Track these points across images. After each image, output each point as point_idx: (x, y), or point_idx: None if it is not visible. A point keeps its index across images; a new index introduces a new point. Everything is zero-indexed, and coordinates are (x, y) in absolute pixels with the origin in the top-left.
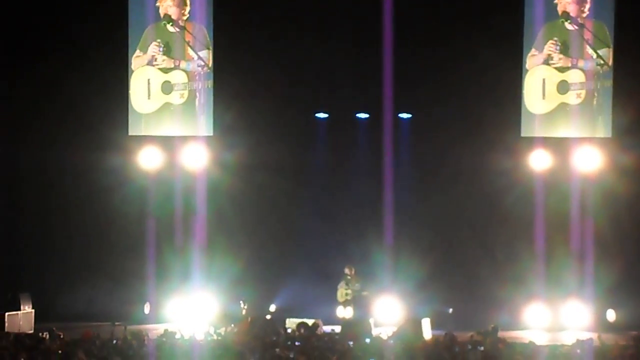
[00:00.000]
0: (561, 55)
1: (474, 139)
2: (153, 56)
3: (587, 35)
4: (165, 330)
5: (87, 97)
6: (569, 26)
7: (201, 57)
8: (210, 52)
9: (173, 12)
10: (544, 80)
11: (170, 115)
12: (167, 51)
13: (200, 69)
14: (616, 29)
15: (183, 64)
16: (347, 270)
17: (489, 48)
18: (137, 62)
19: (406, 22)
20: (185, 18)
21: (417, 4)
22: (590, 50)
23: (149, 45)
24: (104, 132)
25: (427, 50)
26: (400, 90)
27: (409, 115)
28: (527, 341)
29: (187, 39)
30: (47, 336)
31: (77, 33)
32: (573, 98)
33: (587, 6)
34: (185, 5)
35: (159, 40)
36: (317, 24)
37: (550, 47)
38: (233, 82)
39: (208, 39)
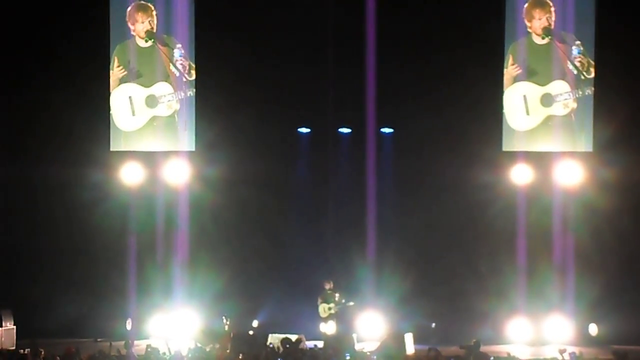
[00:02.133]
0: (542, 70)
1: (455, 154)
2: (134, 73)
3: (566, 49)
4: (148, 346)
5: (69, 113)
6: (547, 41)
7: (181, 72)
8: (192, 67)
9: (148, 29)
10: (524, 96)
11: (153, 131)
12: (148, 67)
13: (182, 83)
14: (597, 43)
15: (166, 78)
16: (326, 285)
17: (469, 63)
18: (114, 81)
19: (389, 38)
20: (155, 32)
21: (399, 20)
22: (570, 65)
23: (125, 63)
24: (85, 148)
25: (410, 66)
26: (383, 105)
27: (391, 130)
28: (505, 354)
29: (165, 54)
30: (29, 352)
31: (59, 50)
32: (560, 109)
33: (569, 20)
34: (153, 20)
35: (137, 58)
36: (301, 39)
37: (529, 63)
38: (215, 98)
39: (183, 52)
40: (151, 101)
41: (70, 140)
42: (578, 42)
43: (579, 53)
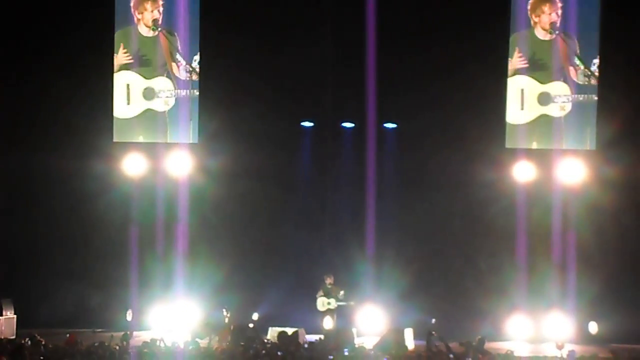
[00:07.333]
0: (544, 68)
1: (458, 150)
2: (134, 61)
3: (574, 46)
4: (144, 342)
5: (72, 103)
6: (552, 38)
7: (188, 64)
8: (196, 59)
9: (155, 18)
10: (522, 90)
11: (154, 122)
12: (151, 57)
13: (186, 75)
14: (601, 41)
15: (169, 70)
16: (327, 280)
17: (473, 59)
18: (115, 66)
19: (391, 32)
20: (162, 23)
21: (401, 14)
22: (577, 61)
23: (128, 50)
24: (88, 138)
25: (412, 61)
26: (386, 100)
27: (394, 125)
28: (504, 351)
29: (172, 45)
30: (29, 342)
31: (62, 40)
32: (556, 110)
33: (573, 18)
34: (159, 10)
35: (140, 46)
36: (303, 32)
37: (533, 59)
38: (218, 90)
39: (187, 44)
40: (149, 94)
41: (73, 130)
42: (585, 39)
43: (586, 51)
